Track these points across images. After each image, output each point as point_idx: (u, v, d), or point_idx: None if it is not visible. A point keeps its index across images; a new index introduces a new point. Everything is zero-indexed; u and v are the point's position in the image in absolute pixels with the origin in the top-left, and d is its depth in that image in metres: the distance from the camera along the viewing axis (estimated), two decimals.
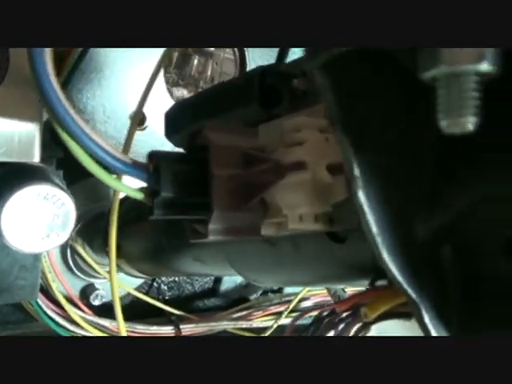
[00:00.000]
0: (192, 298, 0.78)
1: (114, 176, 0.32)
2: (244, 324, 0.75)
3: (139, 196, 0.31)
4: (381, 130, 0.25)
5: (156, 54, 0.50)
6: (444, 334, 0.26)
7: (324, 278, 0.37)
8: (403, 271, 0.26)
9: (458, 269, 0.27)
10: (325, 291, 0.71)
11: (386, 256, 0.25)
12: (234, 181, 0.31)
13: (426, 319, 0.26)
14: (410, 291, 0.26)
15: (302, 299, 0.74)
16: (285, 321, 0.74)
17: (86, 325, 0.63)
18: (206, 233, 0.31)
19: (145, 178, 0.30)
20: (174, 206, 0.31)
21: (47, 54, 0.28)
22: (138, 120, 0.43)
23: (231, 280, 0.80)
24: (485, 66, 0.17)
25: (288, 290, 0.82)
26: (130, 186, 0.31)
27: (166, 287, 0.76)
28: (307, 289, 0.73)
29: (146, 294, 0.73)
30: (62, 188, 0.39)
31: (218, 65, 0.86)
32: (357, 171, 0.23)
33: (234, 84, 0.38)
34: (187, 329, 0.71)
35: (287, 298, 0.77)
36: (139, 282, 0.72)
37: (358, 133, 0.23)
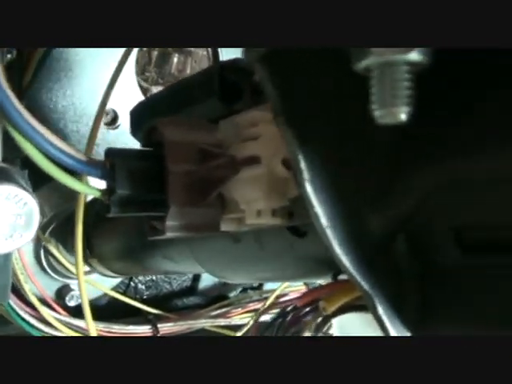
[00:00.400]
0: (170, 296, 0.77)
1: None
2: (223, 322, 0.74)
3: (96, 193, 0.31)
4: (329, 122, 0.25)
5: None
6: (398, 324, 0.26)
7: (288, 272, 0.37)
8: (356, 263, 0.26)
9: (411, 260, 0.27)
10: (303, 287, 0.71)
11: (337, 248, 0.25)
12: (190, 176, 0.30)
13: (380, 311, 0.26)
14: (363, 283, 0.26)
15: (280, 295, 0.73)
16: (262, 318, 0.74)
17: (61, 326, 0.62)
18: (163, 229, 0.31)
19: (100, 175, 0.30)
20: (131, 204, 0.31)
21: None
22: (101, 118, 0.43)
23: (210, 278, 0.79)
24: (414, 56, 0.18)
25: (268, 286, 0.81)
26: (89, 184, 0.31)
27: (143, 286, 0.75)
28: (285, 285, 0.73)
29: (124, 293, 0.72)
30: (24, 188, 0.39)
31: (197, 63, 0.85)
32: (302, 163, 0.23)
33: (194, 80, 0.38)
34: (165, 328, 0.71)
35: (267, 295, 0.77)
36: (116, 281, 0.72)
37: (304, 125, 0.23)
